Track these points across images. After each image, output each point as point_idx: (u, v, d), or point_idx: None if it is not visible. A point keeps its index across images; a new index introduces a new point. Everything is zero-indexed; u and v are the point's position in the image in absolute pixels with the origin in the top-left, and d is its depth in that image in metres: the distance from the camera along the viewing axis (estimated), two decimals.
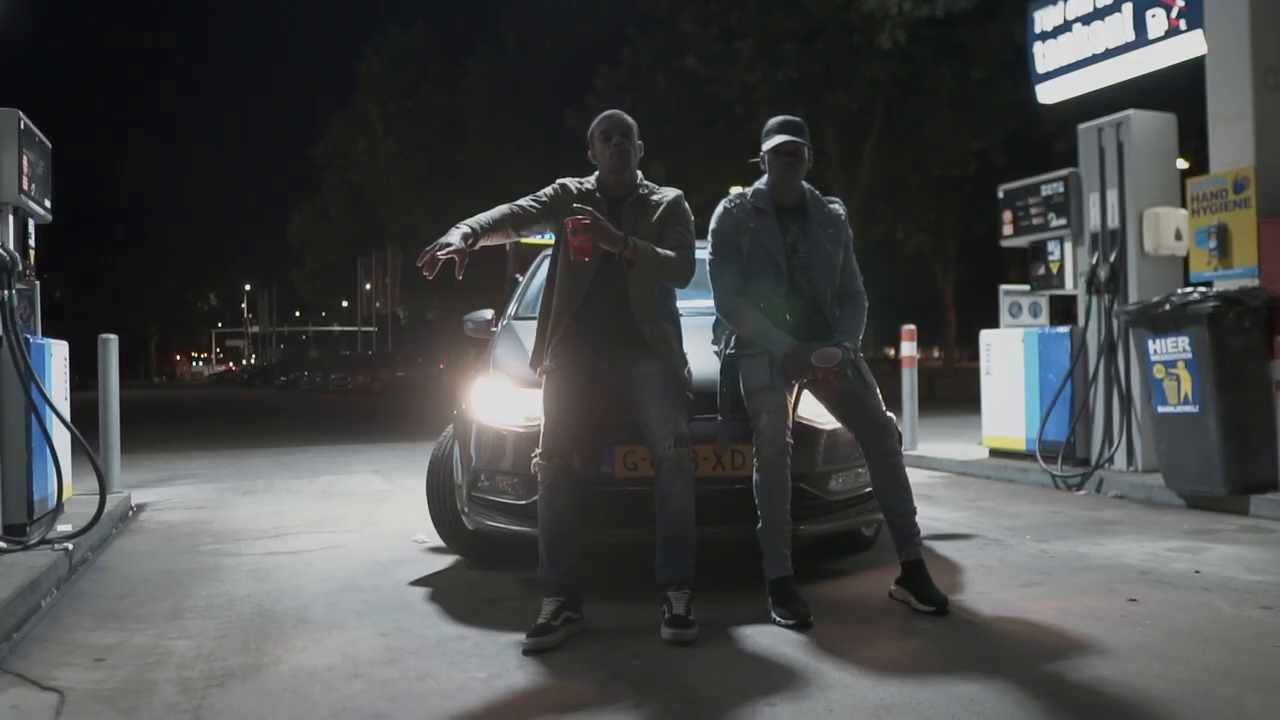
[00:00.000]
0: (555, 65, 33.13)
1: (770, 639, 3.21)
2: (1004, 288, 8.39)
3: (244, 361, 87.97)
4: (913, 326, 8.97)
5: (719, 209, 3.96)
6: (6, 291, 4.89)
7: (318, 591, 4.10)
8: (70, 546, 4.72)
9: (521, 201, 3.74)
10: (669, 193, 3.84)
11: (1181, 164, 11.14)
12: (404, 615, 3.68)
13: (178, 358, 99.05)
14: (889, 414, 3.74)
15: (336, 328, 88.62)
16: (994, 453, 8.04)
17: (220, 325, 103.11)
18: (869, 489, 3.84)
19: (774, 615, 3.40)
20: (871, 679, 2.79)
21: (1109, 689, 2.69)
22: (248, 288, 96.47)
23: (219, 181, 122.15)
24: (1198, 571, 4.12)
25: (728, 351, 3.80)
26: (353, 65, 51.26)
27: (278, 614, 3.76)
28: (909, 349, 8.94)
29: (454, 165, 39.27)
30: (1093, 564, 4.32)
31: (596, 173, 3.85)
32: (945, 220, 30.44)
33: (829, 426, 3.90)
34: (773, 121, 3.94)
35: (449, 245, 3.38)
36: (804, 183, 3.96)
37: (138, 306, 73.41)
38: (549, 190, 3.79)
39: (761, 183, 3.96)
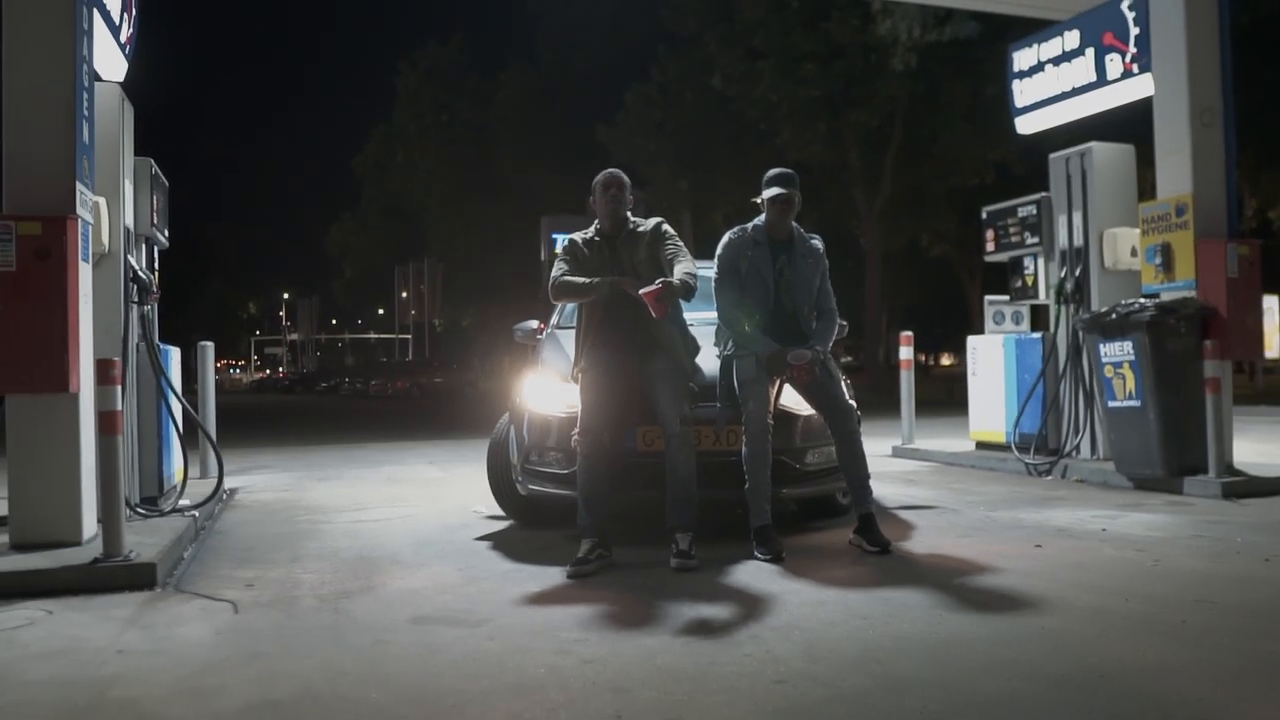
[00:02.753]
0: (587, 81, 34.24)
1: (751, 568, 4.28)
2: (988, 298, 9.37)
3: (281, 369, 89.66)
4: (910, 333, 9.95)
5: (724, 239, 5.01)
6: (146, 307, 6.07)
7: (402, 544, 5.19)
8: (197, 514, 5.86)
9: (566, 268, 4.75)
10: (650, 222, 4.88)
11: None
12: (474, 558, 4.76)
13: (218, 365, 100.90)
14: (850, 402, 4.78)
15: (372, 335, 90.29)
16: (979, 445, 9.02)
17: (258, 333, 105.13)
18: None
19: (756, 553, 4.46)
20: (818, 588, 3.85)
21: (985, 590, 3.75)
22: (286, 296, 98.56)
23: (259, 192, 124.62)
24: (1104, 530, 5.12)
25: (724, 353, 4.86)
26: (390, 80, 52.68)
27: (375, 558, 4.84)
28: (906, 354, 9.93)
29: (489, 178, 40.46)
30: (1024, 525, 5.33)
31: (596, 222, 4.89)
32: (969, 228, 31.23)
33: (805, 413, 4.94)
34: (770, 174, 4.98)
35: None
36: (794, 223, 4.99)
37: (183, 314, 75.19)
38: (566, 249, 4.84)
39: (760, 220, 5.00)
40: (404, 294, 62.79)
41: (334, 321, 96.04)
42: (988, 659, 2.94)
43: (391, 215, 54.39)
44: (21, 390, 4.65)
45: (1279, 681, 2.79)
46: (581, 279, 4.67)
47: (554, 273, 4.78)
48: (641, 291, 4.46)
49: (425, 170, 47.03)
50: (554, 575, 4.27)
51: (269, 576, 4.49)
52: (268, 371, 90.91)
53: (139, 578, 4.34)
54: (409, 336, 64.74)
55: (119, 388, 4.51)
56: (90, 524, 4.87)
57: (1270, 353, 26.37)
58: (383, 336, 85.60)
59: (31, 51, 4.73)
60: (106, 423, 4.44)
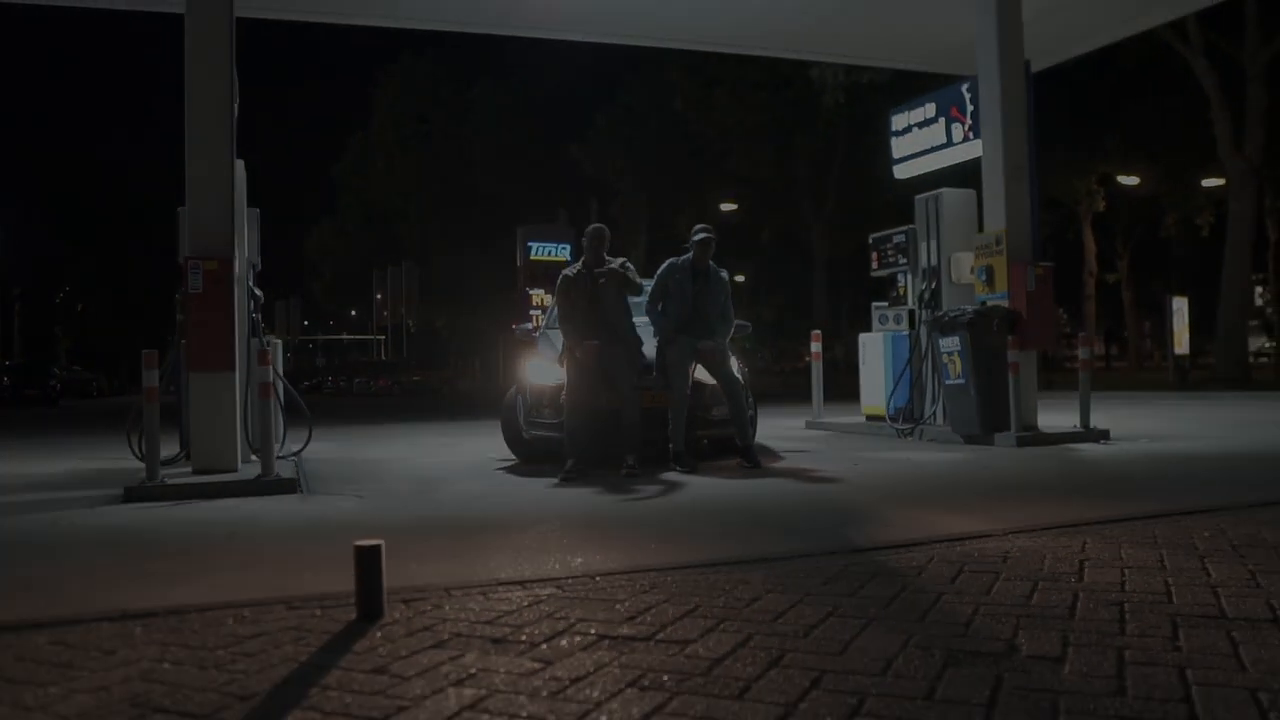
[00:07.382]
0: (558, 100, 36.81)
1: (671, 476, 6.94)
2: (874, 304, 12.04)
3: None
4: (819, 331, 12.64)
5: (664, 265, 7.66)
6: (256, 313, 8.62)
7: (445, 473, 7.76)
8: (299, 459, 8.40)
9: (561, 303, 7.36)
10: (616, 261, 7.49)
11: None
12: (497, 478, 7.36)
13: None
14: (738, 375, 7.44)
15: (345, 336, 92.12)
16: (868, 418, 11.69)
17: None
18: None
19: (675, 467, 7.11)
20: (709, 481, 6.53)
21: (803, 479, 6.42)
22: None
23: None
24: (908, 459, 7.79)
25: (659, 344, 7.49)
26: (367, 88, 54.84)
27: (430, 479, 7.41)
28: (816, 348, 12.61)
29: (466, 187, 42.87)
30: (861, 458, 7.99)
31: (583, 257, 7.50)
32: None
33: (712, 383, 7.60)
34: (697, 226, 7.65)
35: (594, 343, 7.07)
36: (711, 261, 7.62)
37: (160, 318, 76.36)
38: (561, 286, 7.44)
39: (688, 255, 7.63)
40: (379, 295, 64.93)
41: (306, 323, 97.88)
42: (778, 496, 5.67)
43: (370, 221, 56.59)
44: (206, 369, 7.19)
45: (918, 497, 5.43)
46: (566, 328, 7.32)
47: (556, 307, 7.39)
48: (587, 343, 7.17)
49: (404, 179, 49.32)
50: (550, 482, 6.87)
51: (367, 487, 7.04)
52: None
53: (286, 488, 6.87)
54: (383, 337, 66.86)
55: (270, 368, 7.07)
56: (240, 459, 7.41)
57: (1179, 349, 29.29)
58: (356, 337, 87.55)
59: (205, 153, 7.29)
60: (264, 391, 7.00)
